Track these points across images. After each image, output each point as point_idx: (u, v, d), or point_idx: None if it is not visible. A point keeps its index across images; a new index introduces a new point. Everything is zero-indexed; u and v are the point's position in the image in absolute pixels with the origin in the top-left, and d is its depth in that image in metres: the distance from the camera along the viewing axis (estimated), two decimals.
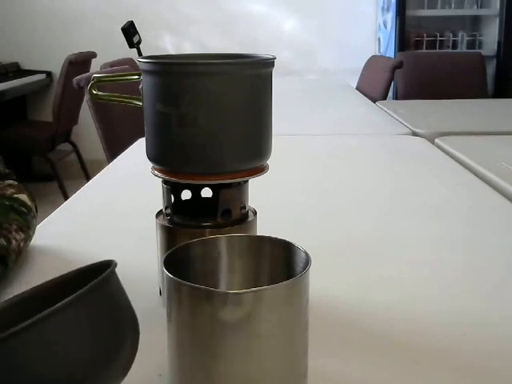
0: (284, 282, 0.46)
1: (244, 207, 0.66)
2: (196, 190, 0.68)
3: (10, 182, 0.75)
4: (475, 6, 3.95)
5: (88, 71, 3.41)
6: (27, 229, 0.75)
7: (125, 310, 0.42)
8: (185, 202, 0.67)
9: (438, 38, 3.89)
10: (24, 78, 4.00)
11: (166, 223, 0.65)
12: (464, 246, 0.88)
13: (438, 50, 3.87)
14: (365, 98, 2.67)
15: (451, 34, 3.92)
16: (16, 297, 0.46)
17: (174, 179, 0.63)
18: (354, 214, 1.03)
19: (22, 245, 0.73)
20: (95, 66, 3.47)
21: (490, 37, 3.89)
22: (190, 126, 0.60)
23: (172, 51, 4.16)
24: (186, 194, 0.67)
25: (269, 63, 0.63)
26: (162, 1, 4.22)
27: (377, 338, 0.61)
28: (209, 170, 0.62)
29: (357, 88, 3.24)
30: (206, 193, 0.67)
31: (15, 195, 0.75)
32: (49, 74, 4.28)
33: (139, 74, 0.64)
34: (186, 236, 0.60)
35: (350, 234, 0.93)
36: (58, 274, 0.48)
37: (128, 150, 1.52)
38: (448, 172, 1.32)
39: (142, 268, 0.71)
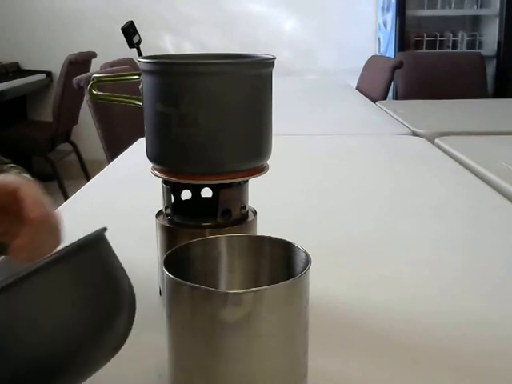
0: (284, 282, 0.46)
1: (244, 207, 0.66)
2: (196, 190, 0.68)
3: (13, 164, 0.75)
4: (475, 6, 3.94)
5: (88, 71, 3.40)
6: None
7: (120, 276, 0.42)
8: (185, 202, 0.67)
9: (438, 38, 3.89)
10: (24, 78, 3.99)
11: (165, 223, 0.65)
12: (464, 246, 0.88)
13: (438, 50, 3.87)
14: (365, 97, 2.67)
15: (451, 34, 3.92)
16: (12, 276, 0.46)
17: (174, 179, 0.63)
18: (353, 214, 1.03)
19: None
20: (95, 65, 3.47)
21: (490, 37, 3.89)
22: (190, 126, 0.60)
23: (172, 51, 4.16)
24: (186, 194, 0.67)
25: (269, 63, 0.63)
26: (161, 1, 4.22)
27: (377, 338, 0.61)
28: (209, 170, 0.62)
29: (357, 88, 3.24)
30: (206, 193, 0.67)
31: (23, 174, 0.74)
32: (49, 74, 4.28)
33: (139, 74, 0.64)
34: (185, 236, 0.60)
35: (350, 233, 0.93)
36: None
37: (128, 149, 1.52)
38: (448, 172, 1.32)
39: (141, 268, 0.71)
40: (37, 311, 0.36)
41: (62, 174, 3.54)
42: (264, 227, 0.66)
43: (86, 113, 2.78)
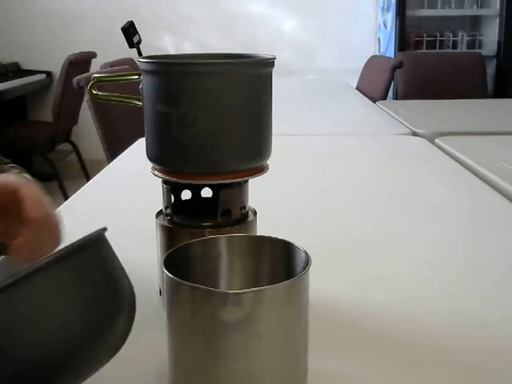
0: (284, 282, 0.46)
1: (244, 207, 0.66)
2: (196, 190, 0.68)
3: (13, 164, 0.75)
4: (475, 6, 3.94)
5: (88, 71, 3.40)
6: None
7: (120, 276, 0.42)
8: (185, 202, 0.67)
9: (438, 38, 3.89)
10: (24, 78, 3.99)
11: (166, 223, 0.65)
12: (464, 246, 0.88)
13: (438, 50, 3.87)
14: (365, 97, 2.67)
15: (451, 34, 3.92)
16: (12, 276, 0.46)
17: (173, 179, 0.63)
18: (354, 214, 1.03)
19: None
20: (95, 65, 3.47)
21: (490, 37, 3.89)
22: (190, 125, 0.60)
23: (172, 51, 4.16)
24: (186, 194, 0.67)
25: (269, 63, 0.63)
26: (162, 1, 4.22)
27: (377, 337, 0.61)
28: (209, 170, 0.62)
29: (357, 88, 3.24)
30: (206, 193, 0.67)
31: (23, 174, 0.74)
32: (49, 74, 4.28)
33: (139, 74, 0.64)
34: (186, 236, 0.60)
35: (350, 233, 0.93)
36: None
37: (128, 149, 1.52)
38: (448, 172, 1.32)
39: (141, 268, 0.71)
40: (37, 311, 0.36)
41: (62, 173, 3.54)
42: (264, 227, 0.66)
43: (86, 113, 2.78)
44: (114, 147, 1.90)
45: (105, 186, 1.23)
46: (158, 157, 0.64)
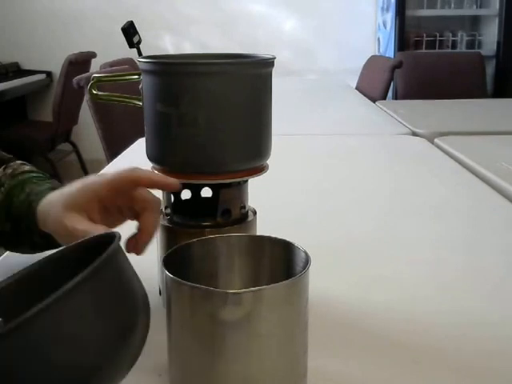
0: (284, 282, 0.46)
1: (244, 207, 0.66)
2: (196, 190, 0.68)
3: (20, 161, 0.75)
4: (475, 6, 3.94)
5: (88, 71, 3.40)
6: None
7: (135, 287, 0.42)
8: (185, 202, 0.67)
9: (438, 38, 3.89)
10: (24, 78, 4.00)
11: (165, 223, 0.65)
12: (464, 246, 0.88)
13: (437, 50, 3.87)
14: (364, 97, 2.67)
15: (451, 34, 3.92)
16: (16, 274, 0.46)
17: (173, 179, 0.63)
18: (354, 214, 1.03)
19: None
20: (95, 65, 3.47)
21: (490, 37, 3.89)
22: (190, 125, 0.60)
23: (172, 51, 4.16)
24: (186, 194, 0.67)
25: (269, 63, 0.63)
26: (161, 1, 4.22)
27: (377, 337, 0.61)
28: (208, 170, 0.62)
29: (356, 88, 3.24)
30: (206, 193, 0.67)
31: (34, 169, 0.74)
32: (49, 74, 4.28)
33: (139, 74, 0.64)
34: (185, 236, 0.60)
35: (350, 233, 0.93)
36: None
37: (128, 149, 1.52)
38: (448, 172, 1.32)
39: (141, 268, 0.71)
40: (61, 339, 0.35)
41: (62, 173, 3.54)
42: (264, 227, 0.66)
43: (86, 113, 2.78)
44: (114, 147, 1.90)
45: None
46: (158, 157, 0.64)
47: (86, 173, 3.80)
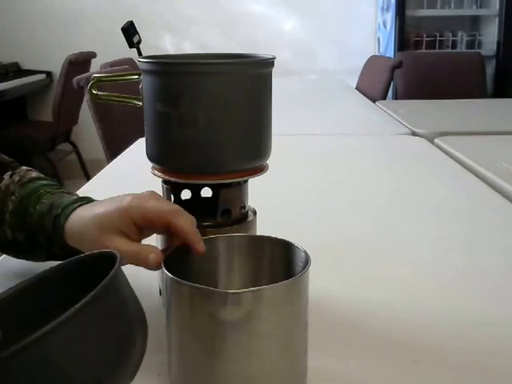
0: (283, 282, 0.46)
1: (244, 207, 0.66)
2: (196, 190, 0.68)
3: (25, 167, 0.75)
4: (475, 6, 3.94)
5: (88, 71, 3.40)
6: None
7: (133, 310, 0.42)
8: (185, 202, 0.67)
9: (438, 38, 3.89)
10: (24, 78, 3.99)
11: None
12: (464, 246, 0.88)
13: (437, 50, 3.87)
14: (364, 97, 2.67)
15: (451, 34, 3.92)
16: (15, 287, 0.46)
17: (173, 179, 0.63)
18: (353, 213, 1.03)
19: None
20: (95, 65, 3.47)
21: (490, 37, 3.89)
22: (190, 125, 0.60)
23: (172, 51, 4.16)
24: (186, 194, 0.67)
25: (269, 63, 0.63)
26: (162, 1, 4.22)
27: (377, 337, 0.61)
28: (209, 170, 0.62)
29: (356, 88, 3.24)
30: (206, 192, 0.67)
31: (41, 175, 0.74)
32: (49, 74, 4.28)
33: (139, 74, 0.64)
34: None
35: (350, 234, 0.93)
36: None
37: (128, 149, 1.52)
38: (448, 172, 1.32)
39: (141, 268, 0.71)
40: (61, 363, 0.35)
41: (62, 173, 3.54)
42: (264, 227, 0.66)
43: (86, 113, 2.78)
44: (114, 147, 1.90)
45: (105, 186, 1.22)
46: (157, 157, 0.64)
47: (86, 173, 3.80)
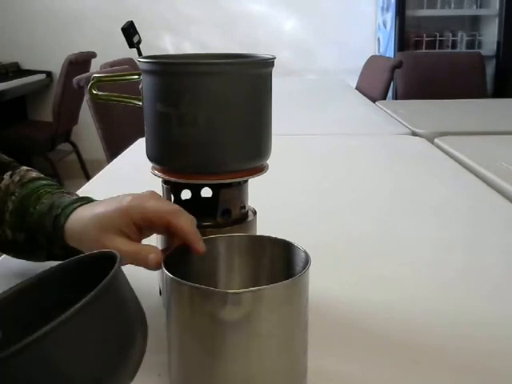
0: (283, 282, 0.46)
1: (244, 207, 0.66)
2: (196, 190, 0.68)
3: (25, 167, 0.75)
4: (475, 6, 3.94)
5: (88, 71, 3.40)
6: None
7: (133, 310, 0.42)
8: (185, 202, 0.67)
9: (438, 38, 3.89)
10: (24, 78, 3.99)
11: None
12: (464, 246, 0.88)
13: (437, 50, 3.87)
14: (364, 97, 2.67)
15: (451, 34, 3.92)
16: (15, 287, 0.46)
17: (173, 179, 0.63)
18: (353, 213, 1.03)
19: None
20: (95, 65, 3.47)
21: (490, 37, 3.89)
22: (190, 125, 0.60)
23: (172, 51, 4.16)
24: (186, 194, 0.67)
25: (269, 63, 0.63)
26: (162, 1, 4.22)
27: (377, 337, 0.61)
28: (209, 170, 0.62)
29: (356, 88, 3.24)
30: (206, 192, 0.67)
31: (41, 175, 0.74)
32: (49, 74, 4.28)
33: (139, 74, 0.64)
34: None
35: (350, 233, 0.93)
36: None
37: (128, 149, 1.52)
38: (448, 172, 1.32)
39: (141, 268, 0.71)
40: (57, 363, 0.35)
41: (62, 173, 3.54)
42: (264, 227, 0.66)
43: (86, 113, 2.78)
44: (114, 147, 1.90)
45: (105, 186, 1.22)
46: (158, 157, 0.64)
47: (86, 173, 3.80)
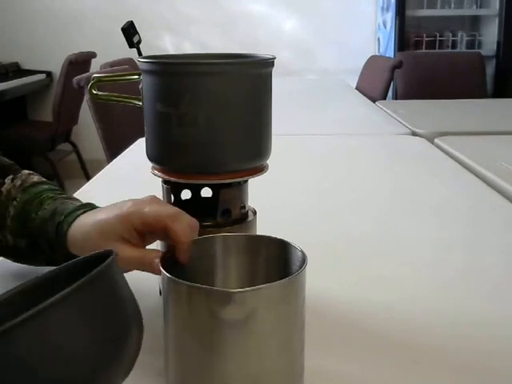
0: (280, 281, 0.46)
1: (244, 207, 0.66)
2: (196, 190, 0.68)
3: (27, 171, 0.74)
4: (475, 6, 3.94)
5: (88, 71, 3.40)
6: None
7: (128, 303, 0.42)
8: (185, 202, 0.67)
9: (438, 38, 3.89)
10: (24, 78, 3.99)
11: None
12: (464, 246, 0.88)
13: (437, 50, 3.87)
14: (364, 97, 2.67)
15: (451, 34, 3.92)
16: (18, 287, 0.46)
17: (173, 179, 0.63)
18: (353, 213, 1.03)
19: None
20: (95, 65, 3.47)
21: (490, 37, 3.89)
22: (190, 125, 0.60)
23: (172, 51, 4.16)
24: (186, 194, 0.67)
25: (269, 63, 0.63)
26: (161, 1, 4.22)
27: (377, 337, 0.61)
28: (209, 170, 0.62)
29: (356, 88, 3.24)
30: (206, 192, 0.67)
31: (42, 179, 0.74)
32: (49, 74, 4.28)
33: (139, 74, 0.64)
34: None
35: (350, 233, 0.93)
36: None
37: (128, 149, 1.52)
38: (448, 172, 1.32)
39: None
40: (48, 347, 0.35)
41: (62, 173, 3.54)
42: (264, 227, 0.66)
43: (86, 113, 2.78)
44: (114, 147, 1.90)
45: (105, 186, 1.23)
46: (157, 157, 0.64)
47: (86, 173, 3.80)
